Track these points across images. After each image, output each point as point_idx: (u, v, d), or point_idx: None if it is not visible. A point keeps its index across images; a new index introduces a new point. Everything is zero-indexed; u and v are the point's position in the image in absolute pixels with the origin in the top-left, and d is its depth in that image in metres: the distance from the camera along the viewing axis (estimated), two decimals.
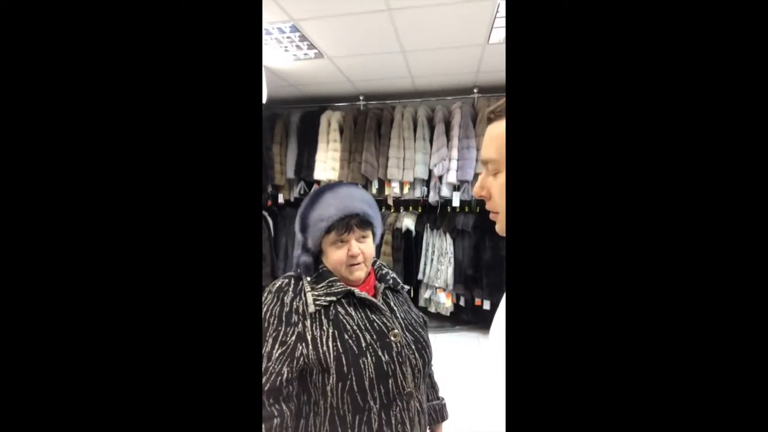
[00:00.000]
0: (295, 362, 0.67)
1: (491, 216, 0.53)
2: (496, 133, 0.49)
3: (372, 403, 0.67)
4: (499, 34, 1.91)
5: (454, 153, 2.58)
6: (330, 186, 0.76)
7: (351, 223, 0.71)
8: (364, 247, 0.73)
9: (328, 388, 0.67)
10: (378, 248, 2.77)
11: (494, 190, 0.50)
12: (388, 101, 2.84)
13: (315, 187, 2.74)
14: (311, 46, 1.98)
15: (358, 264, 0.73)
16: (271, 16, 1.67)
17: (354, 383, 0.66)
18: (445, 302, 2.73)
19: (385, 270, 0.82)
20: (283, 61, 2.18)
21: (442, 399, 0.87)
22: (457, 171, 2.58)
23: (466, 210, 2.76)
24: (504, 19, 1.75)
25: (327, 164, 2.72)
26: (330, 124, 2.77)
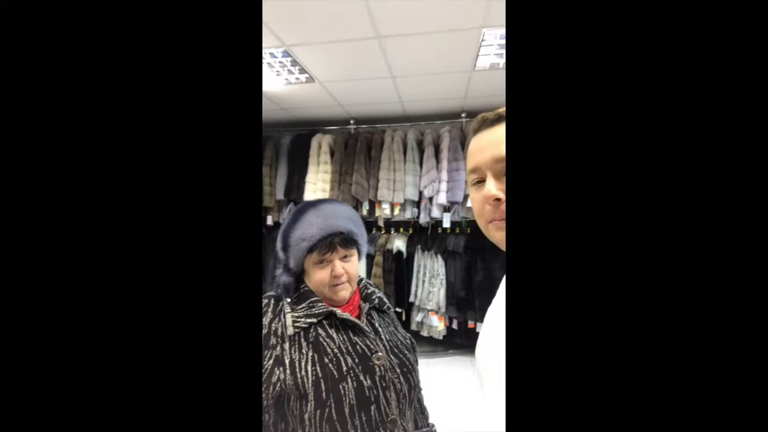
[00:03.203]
0: (271, 388, 0.63)
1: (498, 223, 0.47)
2: (479, 144, 0.49)
3: None
4: (485, 61, 1.98)
5: (444, 175, 2.61)
6: (312, 203, 0.74)
7: (334, 242, 0.69)
8: (348, 266, 0.71)
9: (306, 416, 0.63)
10: (368, 270, 2.73)
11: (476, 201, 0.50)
12: (378, 125, 2.90)
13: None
14: (303, 71, 2.03)
15: (342, 284, 0.70)
16: (264, 42, 1.71)
17: (333, 410, 0.62)
18: (437, 325, 2.67)
19: (371, 289, 0.79)
20: (275, 84, 2.22)
21: (432, 426, 0.82)
22: (447, 192, 2.60)
23: (457, 231, 2.76)
24: (489, 47, 1.82)
25: (317, 186, 2.72)
26: (321, 146, 2.80)
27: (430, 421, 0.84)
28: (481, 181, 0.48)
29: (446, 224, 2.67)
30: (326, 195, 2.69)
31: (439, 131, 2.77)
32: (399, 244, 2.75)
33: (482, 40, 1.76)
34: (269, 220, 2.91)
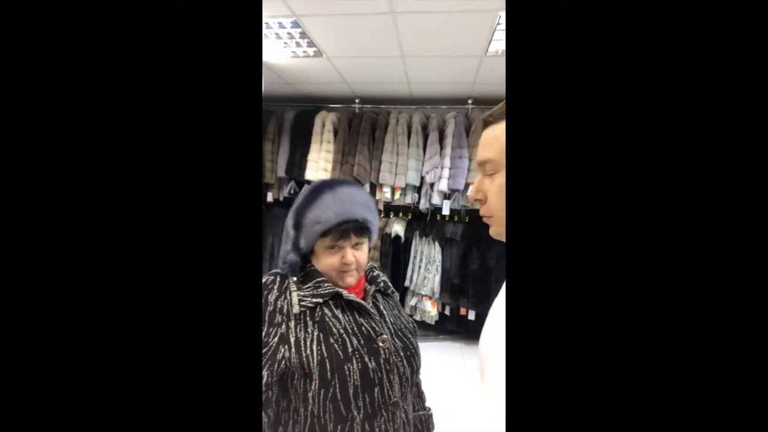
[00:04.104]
0: (276, 365, 0.63)
1: (485, 220, 0.51)
2: (495, 134, 0.48)
3: (355, 413, 0.63)
4: (497, 46, 1.93)
5: (447, 162, 2.58)
6: (329, 184, 0.72)
7: (348, 229, 0.67)
8: (358, 254, 0.70)
9: (310, 394, 0.63)
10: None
11: (491, 192, 0.49)
12: (383, 105, 2.84)
13: (306, 187, 2.70)
14: (311, 44, 1.96)
15: (351, 271, 0.69)
16: (273, 10, 1.64)
17: (337, 390, 0.62)
18: (430, 311, 2.71)
19: (376, 272, 0.79)
20: (280, 56, 2.15)
21: (429, 409, 0.84)
22: (448, 179, 2.58)
23: (456, 219, 2.76)
24: (503, 32, 1.77)
25: (319, 165, 2.69)
26: (324, 124, 2.74)
27: (426, 404, 0.85)
28: (495, 173, 0.48)
29: (445, 211, 2.67)
30: (328, 175, 2.66)
31: (444, 116, 2.72)
32: (398, 228, 2.74)
33: (497, 24, 1.70)
34: (269, 197, 2.87)
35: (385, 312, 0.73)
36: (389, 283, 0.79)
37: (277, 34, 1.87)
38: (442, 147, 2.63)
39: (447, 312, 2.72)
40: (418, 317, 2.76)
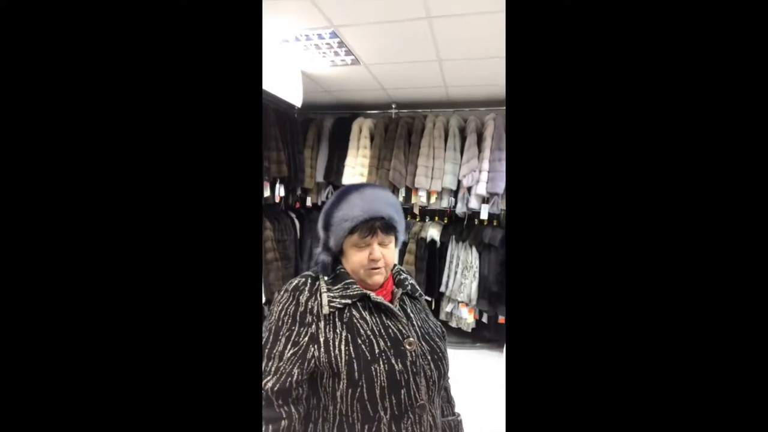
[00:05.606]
0: (306, 364, 0.65)
1: None
2: None
3: (382, 413, 0.64)
4: None
5: (485, 165, 2.52)
6: (356, 186, 0.75)
7: (375, 225, 0.69)
8: (385, 252, 0.71)
9: (338, 393, 0.64)
10: (401, 257, 2.74)
11: None
12: (420, 110, 2.84)
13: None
14: (348, 53, 2.02)
15: (378, 269, 0.71)
16: (313, 22, 1.72)
17: (365, 390, 0.63)
18: (466, 317, 2.65)
19: (404, 275, 0.79)
20: (320, 66, 2.23)
21: (458, 415, 0.82)
22: (487, 183, 2.51)
23: (495, 224, 2.68)
24: None
25: (355, 170, 2.74)
26: (361, 130, 2.80)
27: (456, 410, 0.84)
28: None
29: (483, 216, 2.60)
30: (364, 179, 2.71)
31: (483, 118, 2.66)
32: (433, 232, 2.72)
33: None
34: (308, 202, 2.99)
35: (412, 315, 0.73)
36: (417, 287, 0.80)
37: (316, 45, 1.95)
38: (480, 149, 2.58)
39: (484, 319, 2.64)
40: (454, 324, 2.71)
